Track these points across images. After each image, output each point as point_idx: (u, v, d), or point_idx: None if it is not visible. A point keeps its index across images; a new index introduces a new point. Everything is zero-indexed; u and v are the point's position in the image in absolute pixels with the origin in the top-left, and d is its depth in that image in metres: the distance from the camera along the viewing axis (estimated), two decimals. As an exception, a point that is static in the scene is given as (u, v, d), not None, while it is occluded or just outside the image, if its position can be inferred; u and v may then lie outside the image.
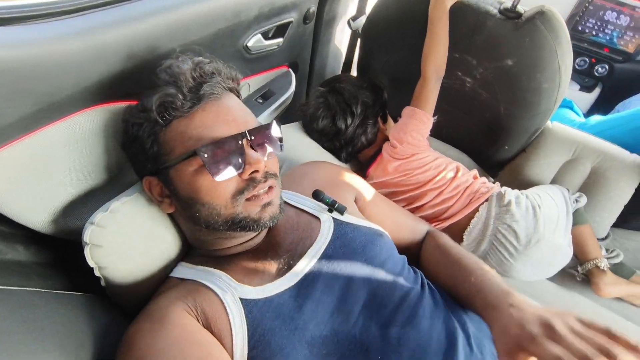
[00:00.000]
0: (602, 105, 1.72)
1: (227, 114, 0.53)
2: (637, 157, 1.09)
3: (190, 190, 0.52)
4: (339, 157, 1.09)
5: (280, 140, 0.58)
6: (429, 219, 0.99)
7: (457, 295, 0.60)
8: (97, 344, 0.48)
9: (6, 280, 0.49)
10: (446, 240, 0.71)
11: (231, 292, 0.49)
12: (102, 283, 0.55)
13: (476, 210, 0.96)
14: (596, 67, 1.69)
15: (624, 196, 1.09)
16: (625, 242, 1.22)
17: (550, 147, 1.12)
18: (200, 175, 0.50)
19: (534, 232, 0.91)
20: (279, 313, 0.48)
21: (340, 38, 1.27)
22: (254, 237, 0.58)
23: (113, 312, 0.57)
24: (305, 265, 0.54)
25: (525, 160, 1.16)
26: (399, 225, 0.73)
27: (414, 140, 0.98)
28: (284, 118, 1.10)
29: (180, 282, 0.54)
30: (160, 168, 0.53)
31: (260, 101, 0.98)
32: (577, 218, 1.04)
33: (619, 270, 1.07)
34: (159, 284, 0.56)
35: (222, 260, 0.56)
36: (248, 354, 0.45)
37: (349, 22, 1.20)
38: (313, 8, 0.99)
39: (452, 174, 1.00)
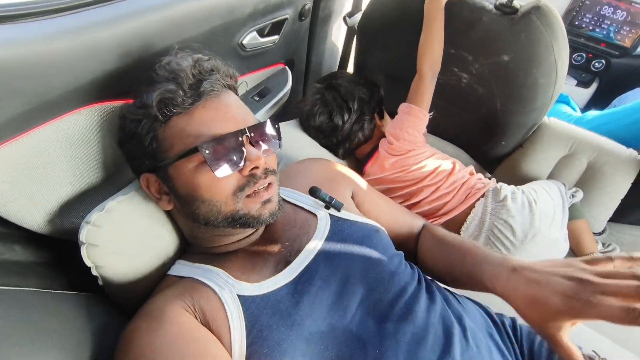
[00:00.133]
0: (599, 101, 1.72)
1: (227, 111, 0.53)
2: (633, 152, 1.09)
3: (190, 187, 0.52)
4: (335, 154, 1.09)
5: (279, 137, 0.58)
6: (426, 215, 1.00)
7: (457, 278, 0.61)
8: (95, 343, 0.48)
9: (4, 280, 0.48)
10: (442, 231, 0.72)
11: (229, 289, 0.49)
12: (100, 282, 0.55)
13: (473, 205, 0.96)
14: (593, 62, 1.69)
15: (620, 191, 1.10)
16: (622, 236, 1.23)
17: (546, 143, 1.13)
18: (200, 172, 0.50)
19: (530, 227, 0.92)
20: (277, 309, 0.49)
21: (337, 35, 1.27)
22: (251, 234, 0.58)
23: (111, 311, 0.57)
24: (302, 261, 0.54)
25: (522, 155, 1.16)
26: (395, 221, 0.74)
27: (410, 136, 0.98)
28: (280, 115, 1.09)
29: (178, 280, 0.54)
30: (159, 165, 0.53)
31: (257, 99, 0.98)
32: (574, 213, 1.04)
33: (615, 264, 1.07)
34: (157, 282, 0.56)
35: (219, 258, 0.56)
36: (246, 350, 0.46)
37: (345, 19, 1.20)
38: (309, 5, 0.98)
39: (448, 170, 1.00)
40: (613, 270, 0.41)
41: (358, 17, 1.18)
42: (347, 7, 1.22)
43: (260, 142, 0.54)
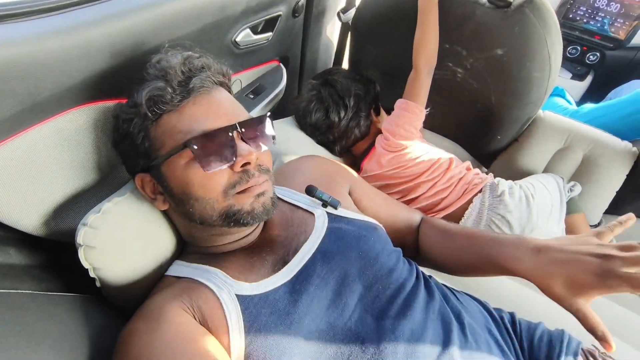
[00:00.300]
0: (594, 93, 1.73)
1: (218, 107, 0.52)
2: (628, 144, 1.10)
3: (183, 185, 0.51)
4: (332, 151, 1.09)
5: (273, 134, 0.57)
6: (424, 211, 1.00)
7: (468, 265, 0.62)
8: (93, 345, 0.48)
9: (-2, 284, 0.48)
10: (442, 221, 0.73)
11: (227, 289, 0.49)
12: (97, 284, 0.54)
13: (470, 201, 0.97)
14: (587, 55, 1.69)
15: (616, 183, 1.10)
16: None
17: (542, 136, 1.13)
18: (191, 168, 0.50)
19: (527, 222, 0.92)
20: (275, 308, 0.48)
21: (331, 31, 1.26)
22: (248, 234, 0.58)
23: (109, 312, 0.57)
24: (300, 260, 0.54)
25: (517, 149, 1.16)
26: (393, 216, 0.74)
27: (406, 132, 0.98)
28: (276, 113, 1.09)
29: (176, 281, 0.54)
30: (152, 164, 0.53)
31: (252, 96, 0.97)
32: (571, 207, 1.04)
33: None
34: (155, 283, 0.56)
35: (217, 258, 0.56)
36: (245, 349, 0.46)
37: (339, 15, 1.19)
38: (302, 1, 0.98)
39: (445, 165, 1.01)
40: (625, 243, 0.45)
41: (352, 13, 1.17)
42: (341, 3, 1.21)
43: (253, 138, 0.53)
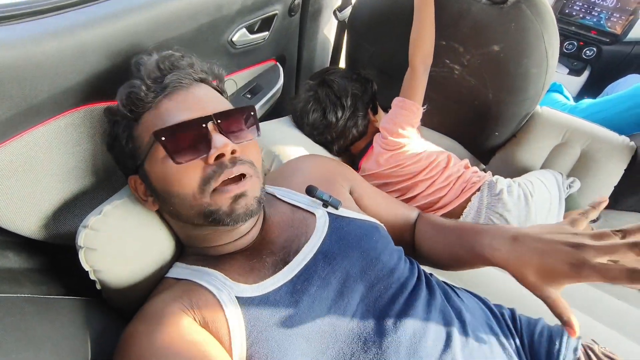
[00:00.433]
0: (591, 88, 1.73)
1: (195, 101, 0.52)
2: (626, 139, 1.10)
3: (162, 182, 0.51)
4: (330, 151, 1.09)
5: (256, 125, 0.56)
6: (422, 209, 1.00)
7: (457, 259, 0.62)
8: (93, 348, 0.48)
9: (-3, 288, 0.48)
10: (436, 217, 0.73)
11: (227, 291, 0.49)
12: (98, 286, 0.54)
13: (468, 199, 0.97)
14: (584, 50, 1.70)
15: (614, 177, 1.10)
16: (616, 223, 1.24)
17: (540, 132, 1.13)
18: (166, 163, 0.49)
19: (525, 221, 0.92)
20: (276, 310, 0.48)
21: (327, 29, 1.26)
22: (246, 235, 0.57)
23: (108, 315, 0.57)
24: (301, 261, 0.54)
25: (515, 145, 1.17)
26: (394, 214, 0.74)
27: (404, 131, 0.98)
28: (273, 112, 1.09)
29: (176, 283, 0.53)
30: (138, 164, 0.53)
31: (249, 96, 0.97)
32: (570, 203, 1.05)
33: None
34: (155, 285, 0.56)
35: (217, 260, 0.55)
36: (247, 351, 0.45)
37: (335, 13, 1.19)
38: (298, 0, 0.98)
39: (443, 164, 1.00)
40: (599, 231, 0.45)
41: (348, 11, 1.17)
42: (337, 1, 1.21)
43: (234, 131, 0.52)
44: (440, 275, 0.68)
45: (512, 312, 0.63)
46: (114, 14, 0.54)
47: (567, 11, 1.65)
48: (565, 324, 0.44)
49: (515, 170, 1.13)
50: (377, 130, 1.05)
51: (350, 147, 1.11)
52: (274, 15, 0.90)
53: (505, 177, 1.02)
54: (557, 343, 0.56)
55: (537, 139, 1.14)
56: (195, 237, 0.57)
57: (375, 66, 1.17)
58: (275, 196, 0.65)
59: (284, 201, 0.63)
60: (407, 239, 0.73)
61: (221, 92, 0.60)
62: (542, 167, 1.16)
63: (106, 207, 0.53)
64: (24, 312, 0.45)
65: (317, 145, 1.07)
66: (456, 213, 0.97)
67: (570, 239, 0.46)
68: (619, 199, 1.14)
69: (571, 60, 1.75)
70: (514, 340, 0.58)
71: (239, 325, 0.46)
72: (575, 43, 1.69)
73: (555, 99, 1.56)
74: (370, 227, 0.61)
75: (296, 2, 0.97)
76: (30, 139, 0.50)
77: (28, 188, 0.52)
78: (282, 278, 0.52)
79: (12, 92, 0.45)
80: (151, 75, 0.51)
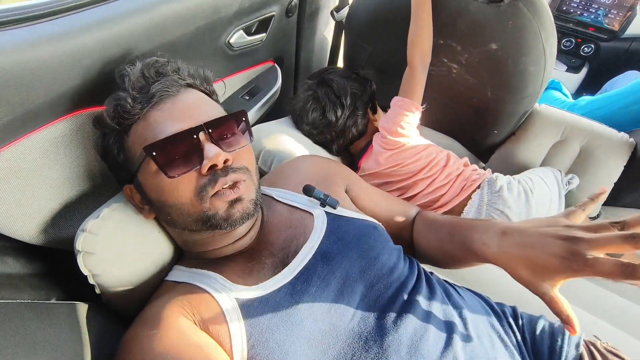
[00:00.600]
0: (590, 85, 1.73)
1: (183, 109, 0.51)
2: (625, 135, 1.10)
3: (156, 193, 0.51)
4: (329, 150, 1.09)
5: (249, 131, 0.56)
6: (423, 208, 1.00)
7: (450, 256, 0.62)
8: (93, 353, 0.48)
9: (-3, 294, 0.48)
10: (433, 214, 0.72)
11: (226, 294, 0.49)
12: (97, 291, 0.54)
13: (469, 197, 0.96)
14: (582, 47, 1.70)
15: (614, 174, 1.10)
16: (617, 219, 1.23)
17: (539, 130, 1.13)
18: (159, 175, 0.49)
19: (526, 217, 0.92)
20: (276, 311, 0.48)
21: (325, 30, 1.26)
22: (243, 236, 0.57)
23: (108, 319, 0.57)
24: (300, 261, 0.53)
25: (515, 143, 1.17)
26: (392, 212, 0.73)
27: (403, 130, 0.98)
28: (272, 113, 1.09)
29: (176, 286, 0.53)
30: (130, 175, 0.53)
31: (247, 98, 0.97)
32: (571, 200, 1.05)
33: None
34: (154, 288, 0.56)
35: (216, 262, 0.55)
36: (247, 353, 0.45)
37: (332, 14, 1.19)
38: (295, 1, 0.98)
39: (443, 162, 1.01)
40: (595, 223, 0.43)
41: (345, 11, 1.17)
42: (334, 2, 1.21)
43: (224, 138, 0.51)
44: (440, 273, 0.68)
45: (514, 309, 0.63)
46: (110, 18, 0.54)
47: (564, 8, 1.65)
48: (565, 321, 0.43)
49: (514, 169, 1.13)
50: (377, 130, 1.05)
51: (349, 147, 1.11)
52: (271, 16, 0.90)
53: (505, 175, 1.02)
54: (559, 339, 0.56)
55: (536, 136, 1.14)
56: (193, 242, 0.57)
57: (373, 66, 1.17)
58: (272, 197, 0.64)
59: (281, 202, 0.63)
60: (406, 237, 0.73)
61: (210, 94, 0.59)
62: (542, 165, 1.16)
63: (104, 211, 0.53)
64: (24, 317, 0.45)
65: (316, 146, 1.07)
66: (457, 211, 0.97)
67: (562, 232, 0.44)
68: (619, 196, 1.14)
69: (569, 57, 1.75)
70: (515, 337, 0.57)
71: (239, 328, 0.46)
72: (573, 40, 1.69)
73: (554, 96, 1.56)
74: (369, 226, 0.61)
75: (293, 3, 0.97)
76: (28, 144, 0.50)
77: (26, 193, 0.52)
78: (282, 279, 0.51)
79: (9, 97, 0.45)
80: (136, 85, 0.50)
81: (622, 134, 1.10)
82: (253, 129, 0.61)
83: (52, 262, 0.61)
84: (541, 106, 1.14)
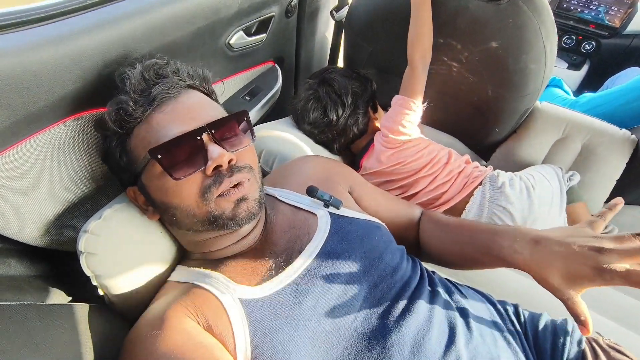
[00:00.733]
0: (591, 82, 1.72)
1: (185, 111, 0.51)
2: (627, 132, 1.09)
3: (161, 195, 0.51)
4: (331, 150, 1.09)
5: (251, 130, 0.56)
6: (425, 206, 1.00)
7: (468, 258, 0.62)
8: (97, 354, 0.48)
9: (0, 296, 0.48)
10: (441, 215, 0.72)
11: (230, 294, 0.49)
12: (100, 292, 0.54)
13: (471, 194, 0.96)
14: (583, 44, 1.69)
15: (616, 171, 1.10)
16: (620, 217, 1.23)
17: (540, 127, 1.13)
18: (163, 177, 0.49)
19: (529, 213, 0.92)
20: (280, 311, 0.48)
21: (325, 30, 1.26)
22: (247, 236, 0.57)
23: (111, 320, 0.57)
24: (303, 261, 0.53)
25: (516, 141, 1.16)
26: (395, 212, 0.73)
27: (404, 128, 0.98)
28: (273, 113, 1.09)
29: (179, 286, 0.53)
30: (134, 177, 0.53)
31: (248, 98, 0.97)
32: (571, 196, 1.04)
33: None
34: (157, 288, 0.56)
35: (219, 262, 0.55)
36: (251, 353, 0.45)
37: (332, 13, 1.19)
38: (294, 1, 0.98)
39: (444, 160, 1.00)
40: (618, 235, 0.45)
41: (345, 11, 1.17)
42: (334, 2, 1.21)
43: (228, 139, 0.52)
44: (442, 272, 0.68)
45: (516, 307, 0.63)
46: (110, 20, 0.54)
47: (564, 5, 1.64)
48: (580, 322, 0.45)
49: (516, 167, 1.13)
50: (377, 129, 1.05)
51: (350, 146, 1.11)
52: (271, 17, 0.91)
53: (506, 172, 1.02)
54: (562, 336, 0.56)
55: (538, 134, 1.13)
56: (197, 243, 0.57)
57: (373, 65, 1.17)
58: (276, 198, 0.65)
59: (285, 202, 0.63)
60: (410, 237, 0.73)
61: (210, 94, 0.59)
62: (543, 163, 1.16)
63: (106, 211, 0.53)
64: (27, 319, 0.45)
65: (317, 145, 1.07)
66: (459, 208, 0.97)
67: (593, 243, 0.46)
68: (622, 193, 1.14)
69: (570, 54, 1.75)
70: (518, 335, 0.57)
71: (243, 327, 0.46)
72: (574, 37, 1.69)
73: (555, 93, 1.56)
74: (372, 226, 0.61)
75: (293, 3, 0.97)
76: (30, 146, 0.51)
77: (29, 195, 0.52)
78: (285, 279, 0.51)
79: (11, 100, 0.45)
80: (137, 88, 0.50)
81: (624, 130, 1.10)
82: (254, 129, 0.61)
83: (54, 264, 0.61)
84: (542, 104, 1.14)
